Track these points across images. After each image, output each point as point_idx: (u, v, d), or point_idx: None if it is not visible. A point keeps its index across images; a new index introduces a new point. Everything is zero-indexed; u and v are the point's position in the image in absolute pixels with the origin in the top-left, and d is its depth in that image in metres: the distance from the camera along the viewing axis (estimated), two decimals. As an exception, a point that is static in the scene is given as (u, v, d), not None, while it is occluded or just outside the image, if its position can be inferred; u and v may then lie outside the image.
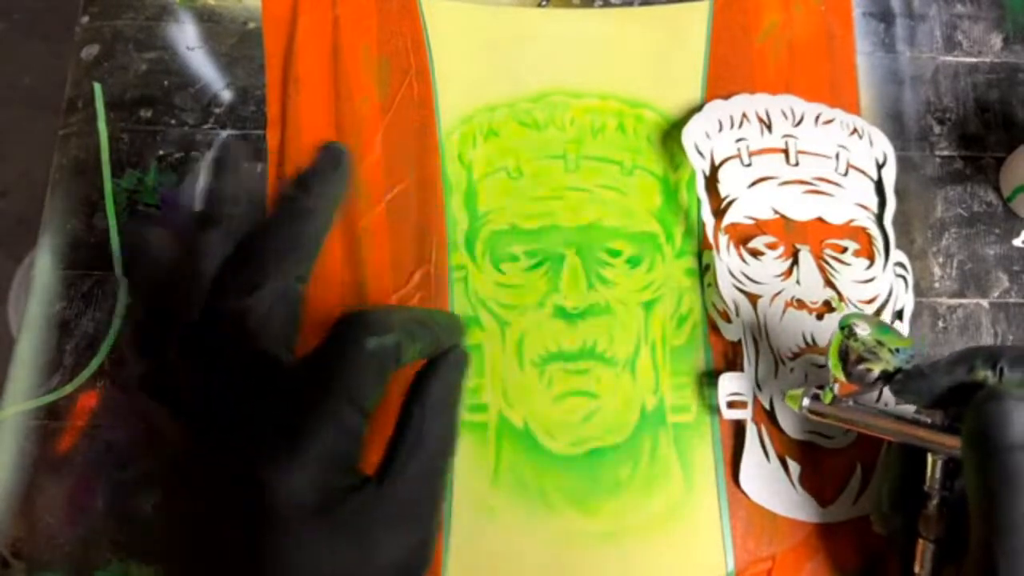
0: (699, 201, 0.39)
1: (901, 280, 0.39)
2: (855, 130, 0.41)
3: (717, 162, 0.40)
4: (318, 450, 0.23)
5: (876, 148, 0.41)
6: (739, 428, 0.37)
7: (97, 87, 0.40)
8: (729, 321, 0.38)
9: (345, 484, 0.24)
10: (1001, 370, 0.29)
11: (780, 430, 0.36)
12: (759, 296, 0.38)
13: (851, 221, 0.39)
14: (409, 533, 0.25)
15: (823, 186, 0.40)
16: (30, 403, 0.36)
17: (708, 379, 0.37)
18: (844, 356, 0.31)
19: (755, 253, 0.39)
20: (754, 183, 0.39)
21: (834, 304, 0.38)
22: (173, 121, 0.40)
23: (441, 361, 0.27)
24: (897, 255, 0.39)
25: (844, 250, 0.39)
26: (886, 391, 0.31)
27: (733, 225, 0.39)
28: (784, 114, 0.41)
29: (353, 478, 0.24)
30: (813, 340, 0.37)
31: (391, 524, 0.24)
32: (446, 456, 0.26)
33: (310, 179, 0.27)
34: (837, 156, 0.40)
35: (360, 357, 0.24)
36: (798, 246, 0.39)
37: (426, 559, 0.26)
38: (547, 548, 0.35)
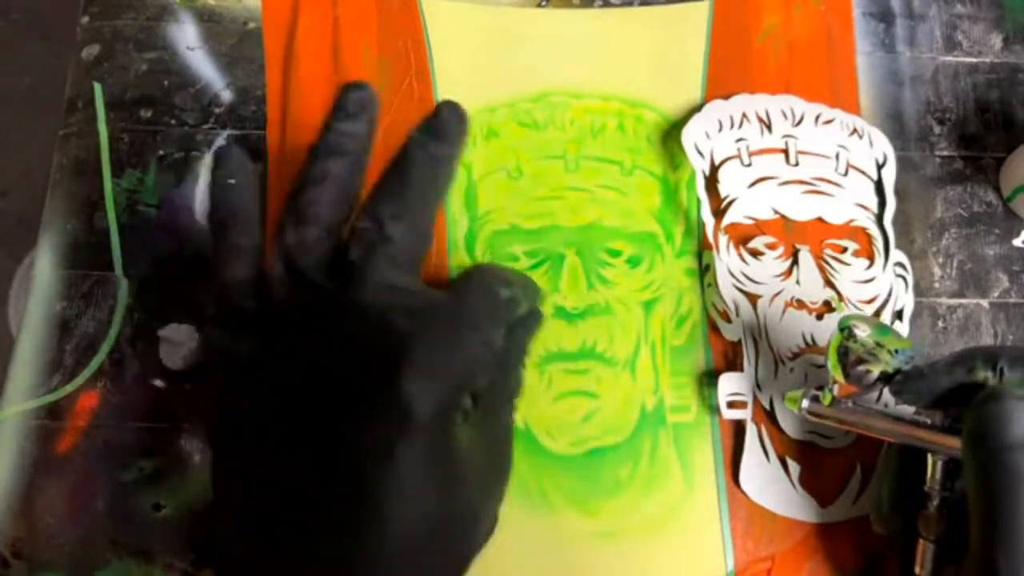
0: (699, 201, 0.39)
1: (901, 280, 0.39)
2: (855, 130, 0.41)
3: (717, 162, 0.40)
4: (454, 374, 0.25)
5: (876, 148, 0.41)
6: (739, 428, 0.37)
7: (97, 87, 0.40)
8: (729, 321, 0.38)
9: (462, 409, 0.26)
10: (1001, 370, 0.29)
11: (780, 430, 0.36)
12: (759, 296, 0.38)
13: (851, 221, 0.39)
14: (492, 475, 0.28)
15: (823, 186, 0.40)
16: (30, 403, 0.36)
17: (708, 379, 0.37)
18: (843, 357, 0.31)
19: (755, 253, 0.39)
20: (754, 183, 0.39)
21: (834, 304, 0.38)
22: (173, 121, 0.40)
23: (524, 319, 0.30)
24: (897, 255, 0.39)
25: (844, 250, 0.39)
26: (886, 391, 0.31)
27: (733, 225, 0.39)
28: (784, 114, 0.41)
29: (467, 407, 0.27)
30: (813, 340, 0.37)
31: (480, 459, 0.27)
32: (514, 401, 0.30)
33: (445, 128, 0.29)
34: (837, 156, 0.40)
35: (492, 300, 0.28)
36: (798, 246, 0.39)
37: (494, 522, 0.28)
38: (547, 548, 0.35)
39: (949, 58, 0.44)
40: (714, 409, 0.37)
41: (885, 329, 0.32)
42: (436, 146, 0.29)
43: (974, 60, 0.44)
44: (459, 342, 0.26)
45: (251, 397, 0.27)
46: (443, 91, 0.41)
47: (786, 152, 0.40)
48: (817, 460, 0.36)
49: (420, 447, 0.24)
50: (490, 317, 0.27)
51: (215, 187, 0.29)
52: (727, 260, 0.38)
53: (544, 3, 0.43)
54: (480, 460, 0.27)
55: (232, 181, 0.29)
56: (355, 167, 0.29)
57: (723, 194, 0.39)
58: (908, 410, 0.32)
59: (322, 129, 0.29)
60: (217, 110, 0.40)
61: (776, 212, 0.39)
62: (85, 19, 0.42)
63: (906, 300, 0.39)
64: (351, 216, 0.29)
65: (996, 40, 0.45)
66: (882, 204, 0.40)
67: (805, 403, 0.32)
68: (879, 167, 0.40)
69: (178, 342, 0.36)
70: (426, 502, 0.25)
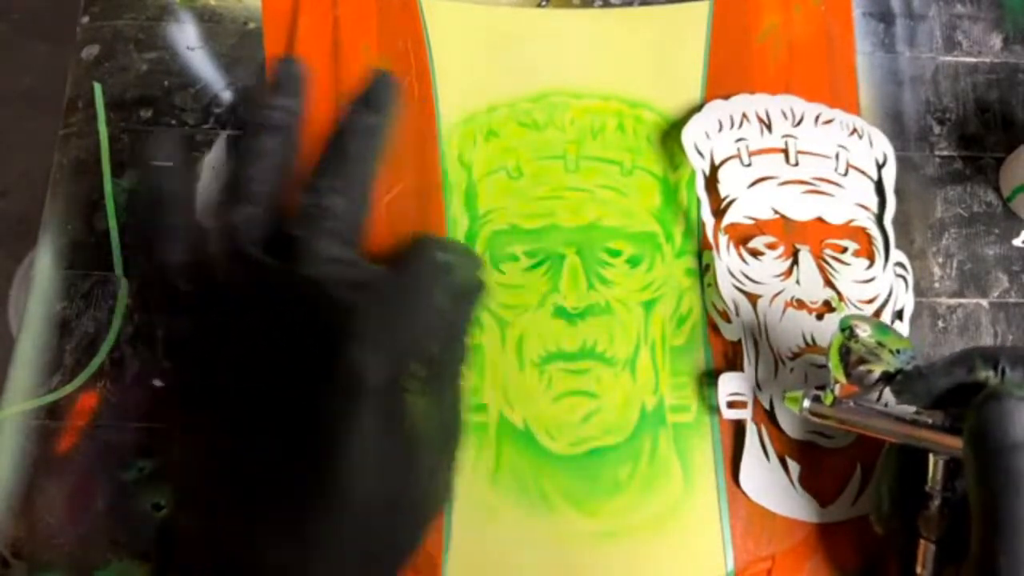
0: (699, 201, 0.39)
1: (901, 280, 0.39)
2: (855, 130, 0.41)
3: (717, 162, 0.40)
4: (402, 341, 0.26)
5: (876, 148, 0.41)
6: (739, 428, 0.37)
7: (97, 87, 0.40)
8: (729, 321, 0.38)
9: (414, 377, 0.26)
10: (1002, 370, 0.29)
11: (780, 430, 0.36)
12: (759, 296, 0.38)
13: (851, 221, 0.39)
14: (445, 444, 0.28)
15: (823, 186, 0.40)
16: (30, 403, 0.36)
17: (708, 379, 0.37)
18: (845, 357, 0.31)
19: (755, 253, 0.39)
20: (754, 183, 0.39)
21: (834, 304, 0.38)
22: (173, 121, 0.40)
23: (467, 287, 0.30)
24: (897, 255, 0.39)
25: (844, 250, 0.39)
26: (887, 391, 0.31)
27: (733, 225, 0.39)
28: (784, 114, 0.41)
29: (419, 375, 0.27)
30: (813, 340, 0.37)
31: (433, 428, 0.27)
32: (462, 369, 0.30)
33: (377, 98, 0.29)
34: (837, 156, 0.40)
35: (433, 266, 0.28)
36: (798, 246, 0.39)
37: (447, 492, 0.28)
38: (547, 548, 0.35)
39: (949, 58, 0.44)
40: (714, 409, 0.37)
41: (886, 329, 0.32)
42: (370, 117, 0.29)
43: (974, 60, 0.44)
44: (405, 309, 0.26)
45: (197, 379, 0.27)
46: (443, 91, 0.41)
47: (786, 152, 0.40)
48: (817, 460, 0.36)
49: (374, 415, 0.24)
50: (433, 283, 0.28)
51: (149, 170, 0.29)
52: (727, 260, 0.38)
53: (544, 3, 0.43)
54: (433, 429, 0.27)
55: (168, 164, 0.29)
56: (290, 142, 0.29)
57: (723, 194, 0.39)
58: (909, 410, 0.32)
59: (253, 106, 0.29)
60: (217, 110, 0.40)
61: (776, 212, 0.39)
62: (85, 19, 0.42)
63: (906, 300, 0.39)
64: (289, 191, 0.29)
65: (996, 40, 0.45)
66: (882, 204, 0.40)
67: (806, 403, 0.32)
68: (879, 167, 0.40)
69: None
70: (382, 470, 0.25)
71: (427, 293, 0.27)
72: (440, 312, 0.28)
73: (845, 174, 0.40)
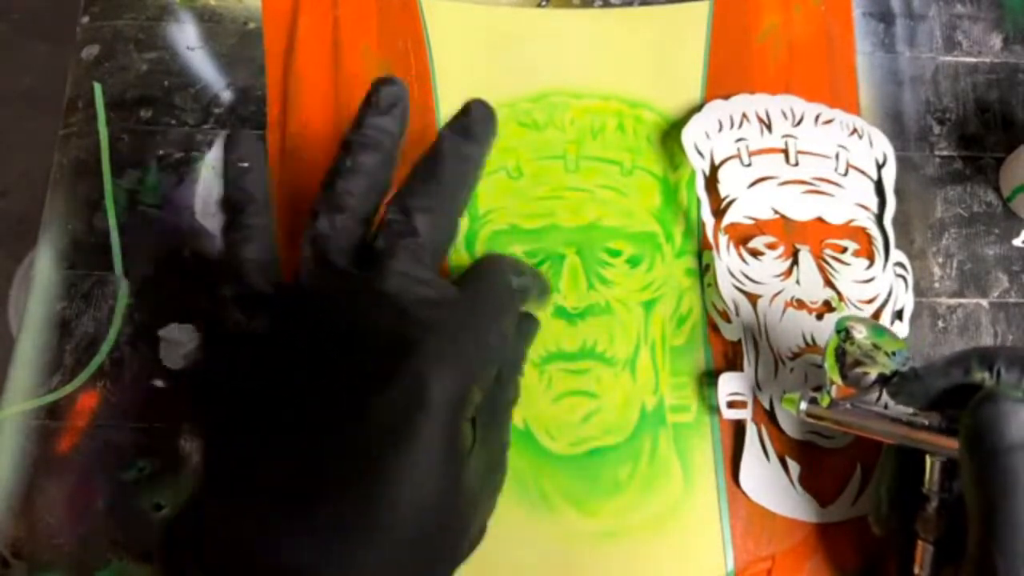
0: (699, 201, 0.39)
1: (901, 280, 0.39)
2: (855, 130, 0.41)
3: (717, 162, 0.40)
4: (468, 363, 0.26)
5: (876, 148, 0.41)
6: (739, 428, 0.37)
7: (97, 87, 0.40)
8: (729, 321, 0.38)
9: (472, 403, 0.26)
10: (998, 371, 0.29)
11: (780, 430, 0.36)
12: (759, 296, 0.38)
13: (851, 221, 0.39)
14: (487, 483, 0.28)
15: (823, 186, 0.40)
16: (30, 403, 0.36)
17: (708, 379, 0.37)
18: (840, 359, 0.31)
19: (755, 253, 0.39)
20: (754, 183, 0.39)
21: (834, 304, 0.38)
22: (173, 121, 0.40)
23: (523, 322, 0.31)
24: (897, 255, 0.39)
25: (844, 250, 0.39)
26: (885, 392, 0.31)
27: (733, 225, 0.39)
28: (784, 114, 0.41)
29: (477, 402, 0.27)
30: (813, 340, 0.37)
31: (479, 465, 0.27)
32: (511, 413, 0.30)
33: (476, 128, 0.30)
34: (837, 156, 0.40)
35: (506, 291, 0.29)
36: (798, 246, 0.39)
37: (481, 533, 0.29)
38: (547, 548, 0.35)
39: (949, 58, 0.44)
40: (714, 409, 0.37)
41: (882, 331, 0.32)
42: (467, 145, 0.30)
43: (974, 60, 0.44)
44: (475, 332, 0.27)
45: (264, 375, 0.27)
46: (443, 91, 0.41)
47: (786, 152, 0.40)
48: (817, 460, 0.36)
49: (433, 432, 0.25)
50: (507, 307, 0.28)
51: (228, 170, 0.30)
52: (727, 260, 0.38)
53: (544, 3, 0.43)
54: (479, 466, 0.27)
55: (245, 164, 0.30)
56: (386, 161, 0.30)
57: (723, 194, 0.39)
58: (906, 411, 0.32)
59: (355, 123, 0.30)
60: (217, 110, 0.40)
61: (776, 212, 0.39)
62: (85, 19, 0.42)
63: (906, 300, 0.39)
64: (380, 208, 0.30)
65: (996, 40, 0.45)
66: (882, 204, 0.40)
67: (803, 405, 0.32)
68: (879, 167, 0.40)
69: (178, 342, 0.36)
70: (432, 492, 0.25)
71: (499, 316, 0.28)
72: (506, 338, 0.28)
73: (845, 174, 0.40)
